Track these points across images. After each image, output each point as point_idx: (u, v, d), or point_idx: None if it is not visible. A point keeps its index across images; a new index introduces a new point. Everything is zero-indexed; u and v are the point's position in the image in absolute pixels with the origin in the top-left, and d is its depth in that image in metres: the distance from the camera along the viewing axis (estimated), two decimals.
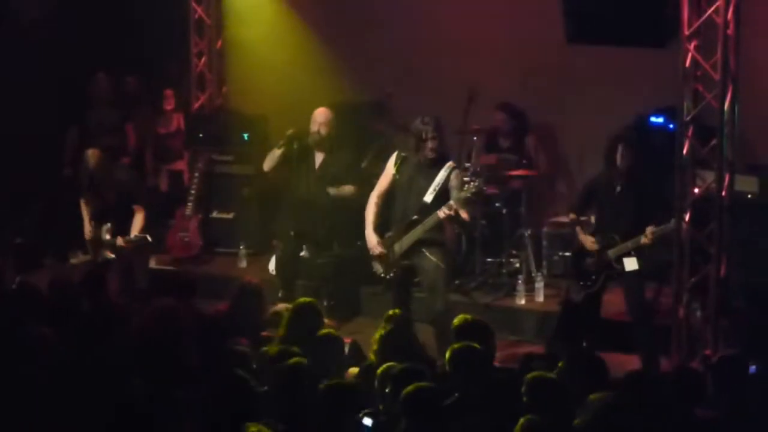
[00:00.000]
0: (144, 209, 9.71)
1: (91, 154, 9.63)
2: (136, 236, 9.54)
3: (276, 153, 9.91)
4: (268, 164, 10.04)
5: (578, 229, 9.07)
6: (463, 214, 8.56)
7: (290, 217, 10.01)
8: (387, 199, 8.96)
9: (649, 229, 8.51)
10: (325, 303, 9.65)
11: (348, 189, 9.90)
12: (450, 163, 8.71)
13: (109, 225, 9.66)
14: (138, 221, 9.63)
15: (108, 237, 9.64)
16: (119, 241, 9.52)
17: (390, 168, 8.91)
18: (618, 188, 8.81)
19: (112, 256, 9.67)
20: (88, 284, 8.21)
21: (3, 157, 11.57)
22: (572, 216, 9.21)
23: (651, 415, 5.95)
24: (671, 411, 6.02)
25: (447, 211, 8.45)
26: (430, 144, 8.58)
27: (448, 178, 8.63)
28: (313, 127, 9.87)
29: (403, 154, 8.83)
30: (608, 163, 8.87)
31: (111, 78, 12.28)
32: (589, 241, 8.91)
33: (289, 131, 9.98)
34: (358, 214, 9.25)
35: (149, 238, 9.59)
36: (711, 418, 6.24)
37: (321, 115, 9.89)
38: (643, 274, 8.81)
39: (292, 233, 9.95)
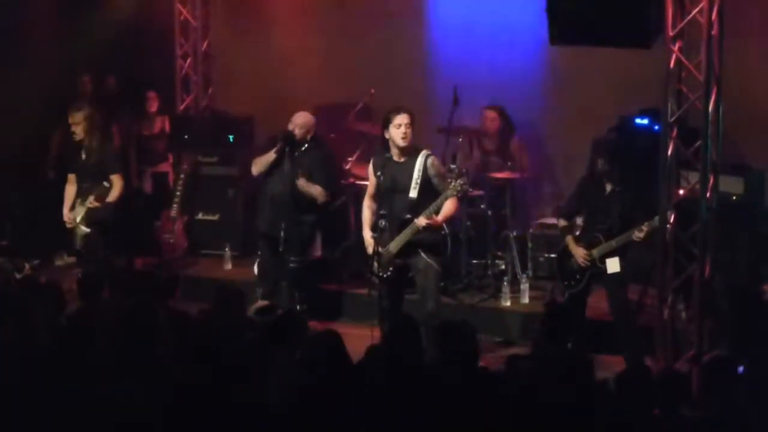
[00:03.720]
0: (122, 178, 10.08)
1: (76, 121, 9.97)
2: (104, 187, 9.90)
3: (270, 157, 9.77)
4: (257, 168, 9.88)
5: (569, 239, 9.05)
6: (441, 217, 8.57)
7: (267, 218, 9.93)
8: (380, 200, 8.95)
9: (642, 226, 8.56)
10: (298, 307, 9.62)
11: (317, 189, 9.72)
12: (423, 152, 8.70)
13: (80, 199, 10.04)
14: (117, 186, 9.99)
15: (81, 209, 9.99)
16: (90, 199, 9.87)
17: (371, 172, 8.94)
18: (608, 189, 8.84)
19: (87, 230, 9.98)
20: (84, 287, 8.19)
21: None
22: (563, 223, 9.18)
23: (637, 416, 5.95)
24: (657, 411, 6.03)
25: (421, 225, 8.48)
26: (402, 129, 8.59)
27: (425, 168, 8.64)
28: (290, 126, 9.79)
29: (379, 156, 8.84)
30: (592, 168, 8.93)
31: (95, 80, 12.29)
32: (581, 254, 8.90)
33: (282, 135, 9.83)
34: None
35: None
36: (697, 419, 6.24)
37: (300, 117, 9.79)
38: (625, 275, 8.84)
39: (270, 234, 9.82)
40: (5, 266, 9.83)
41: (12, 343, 6.83)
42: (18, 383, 6.26)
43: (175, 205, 11.64)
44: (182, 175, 11.74)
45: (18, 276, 9.58)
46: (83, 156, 10.10)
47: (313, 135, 9.87)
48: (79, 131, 10.02)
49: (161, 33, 12.36)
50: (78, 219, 10.04)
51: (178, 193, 11.68)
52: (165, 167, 12.38)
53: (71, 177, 10.25)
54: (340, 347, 6.53)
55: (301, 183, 9.67)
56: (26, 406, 6.08)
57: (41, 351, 6.68)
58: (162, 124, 12.33)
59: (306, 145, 9.77)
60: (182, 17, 12.24)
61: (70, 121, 10.05)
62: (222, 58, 12.54)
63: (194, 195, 11.85)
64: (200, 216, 11.94)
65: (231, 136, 11.88)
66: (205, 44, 12.35)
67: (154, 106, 12.29)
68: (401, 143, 8.64)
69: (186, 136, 11.96)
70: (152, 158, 12.41)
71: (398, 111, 8.64)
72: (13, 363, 6.50)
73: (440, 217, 8.60)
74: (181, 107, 12.38)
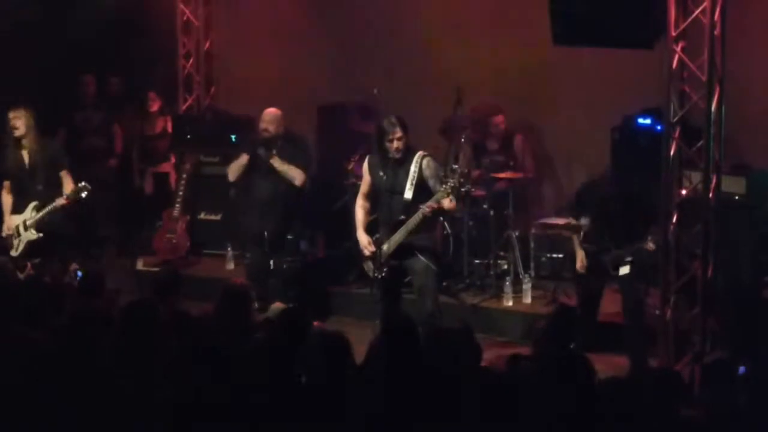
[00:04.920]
0: (68, 169, 9.90)
1: (17, 115, 9.78)
2: (78, 187, 9.70)
3: (243, 161, 9.79)
4: (233, 175, 9.93)
5: (574, 238, 9.04)
6: (446, 206, 8.55)
7: (255, 219, 9.89)
8: (373, 200, 8.96)
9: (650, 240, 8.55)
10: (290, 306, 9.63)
11: (295, 170, 9.72)
12: (419, 153, 8.70)
13: (35, 203, 9.85)
14: (68, 181, 9.82)
15: (35, 213, 9.82)
16: (59, 201, 9.66)
17: (366, 171, 8.95)
18: (609, 192, 8.82)
19: (36, 235, 9.82)
20: (87, 286, 8.18)
21: None
22: (573, 222, 9.18)
23: (635, 415, 5.94)
24: (655, 411, 6.02)
25: (429, 210, 8.46)
26: (395, 143, 8.61)
27: (420, 168, 8.64)
28: (261, 126, 9.82)
29: (376, 156, 8.84)
30: (597, 168, 8.92)
31: (97, 79, 12.30)
32: (581, 258, 8.88)
33: (252, 137, 9.84)
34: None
35: (89, 186, 9.74)
36: (697, 418, 6.24)
37: (268, 114, 9.82)
38: (635, 275, 8.81)
39: (259, 235, 9.77)
40: (7, 265, 9.82)
41: (14, 342, 6.83)
42: (20, 382, 6.26)
43: (177, 205, 11.64)
44: (184, 175, 11.74)
45: (20, 275, 9.57)
46: (26, 159, 9.89)
47: (284, 128, 9.88)
48: (19, 125, 9.74)
49: (163, 33, 12.36)
50: (28, 223, 9.86)
51: (180, 193, 11.68)
52: (166, 167, 12.40)
53: (7, 184, 10.03)
54: (348, 351, 6.50)
55: (277, 162, 9.66)
56: (28, 406, 6.08)
57: (43, 350, 6.68)
58: (163, 124, 12.34)
59: (279, 143, 9.78)
60: (185, 17, 12.25)
61: (11, 116, 9.79)
62: (224, 57, 12.54)
63: (196, 195, 11.85)
64: (202, 216, 11.95)
65: (233, 136, 11.87)
66: (207, 44, 12.36)
67: (154, 107, 12.30)
68: (395, 155, 8.66)
69: (188, 136, 11.96)
70: (153, 158, 12.43)
71: (390, 126, 8.61)
72: (15, 362, 6.50)
73: (445, 206, 8.54)
74: (184, 107, 12.39)
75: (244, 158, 9.77)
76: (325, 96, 12.04)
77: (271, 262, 9.80)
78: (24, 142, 9.85)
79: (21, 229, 9.90)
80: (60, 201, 9.73)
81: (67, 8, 12.14)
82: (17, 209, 9.98)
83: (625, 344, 8.78)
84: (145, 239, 11.82)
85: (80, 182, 9.77)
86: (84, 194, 9.76)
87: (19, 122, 9.78)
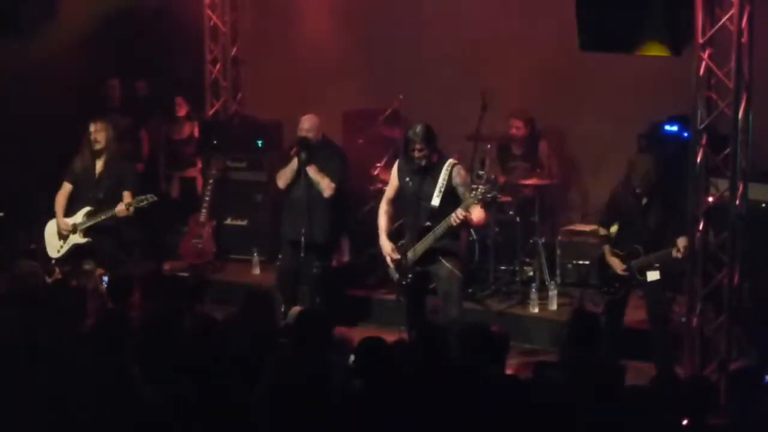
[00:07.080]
0: (133, 193, 9.94)
1: (99, 128, 9.90)
2: (140, 197, 9.81)
3: (294, 165, 9.77)
4: (283, 181, 9.85)
5: (607, 248, 8.99)
6: (475, 218, 8.55)
7: (288, 225, 9.91)
8: (397, 206, 8.96)
9: (681, 242, 8.49)
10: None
11: (325, 180, 9.67)
12: (449, 162, 8.69)
13: (88, 209, 9.94)
14: (127, 196, 9.88)
15: (86, 219, 9.89)
16: (119, 207, 9.75)
17: (394, 176, 8.94)
18: (645, 200, 8.77)
19: (84, 240, 9.94)
20: (114, 291, 8.22)
21: (17, 164, 11.60)
22: (601, 231, 9.12)
23: (664, 423, 5.93)
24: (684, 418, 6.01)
25: (458, 219, 8.44)
26: (417, 153, 8.60)
27: (450, 177, 8.63)
28: (301, 132, 9.80)
29: (408, 161, 8.82)
30: (632, 176, 8.83)
31: (124, 83, 12.35)
32: (617, 264, 8.84)
33: (298, 143, 9.84)
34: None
35: (153, 197, 9.88)
36: (723, 427, 6.22)
37: (307, 121, 9.78)
38: (662, 283, 8.78)
39: (293, 240, 9.77)
40: (35, 270, 9.86)
41: (41, 345, 6.88)
42: (46, 384, 6.30)
43: (203, 210, 11.68)
44: (211, 180, 11.77)
45: (48, 279, 9.62)
46: (97, 168, 10.04)
47: (323, 134, 9.88)
48: (101, 138, 9.94)
49: (191, 38, 12.41)
50: (78, 227, 9.97)
51: (206, 198, 11.71)
52: (193, 172, 12.43)
53: (68, 187, 10.13)
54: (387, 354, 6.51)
55: (312, 171, 9.67)
56: (53, 407, 6.12)
57: (69, 353, 6.72)
58: (190, 129, 12.38)
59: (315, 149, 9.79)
60: (212, 23, 12.29)
61: (93, 129, 9.96)
62: (251, 63, 12.58)
63: (223, 200, 11.88)
64: (228, 221, 11.98)
65: (260, 142, 11.92)
66: (234, 50, 12.40)
67: (182, 111, 12.35)
68: (422, 163, 8.66)
69: (215, 141, 12.00)
70: (180, 163, 12.47)
71: (414, 135, 8.61)
72: (42, 365, 6.54)
73: (474, 219, 8.57)
74: (211, 112, 12.44)
75: (295, 163, 9.75)
76: (351, 101, 12.04)
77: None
78: (102, 153, 10.01)
79: (70, 231, 10.02)
80: (119, 207, 9.80)
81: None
82: (68, 213, 10.07)
83: (650, 351, 8.75)
84: (172, 244, 11.86)
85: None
86: (144, 203, 9.86)
87: (101, 135, 9.96)
